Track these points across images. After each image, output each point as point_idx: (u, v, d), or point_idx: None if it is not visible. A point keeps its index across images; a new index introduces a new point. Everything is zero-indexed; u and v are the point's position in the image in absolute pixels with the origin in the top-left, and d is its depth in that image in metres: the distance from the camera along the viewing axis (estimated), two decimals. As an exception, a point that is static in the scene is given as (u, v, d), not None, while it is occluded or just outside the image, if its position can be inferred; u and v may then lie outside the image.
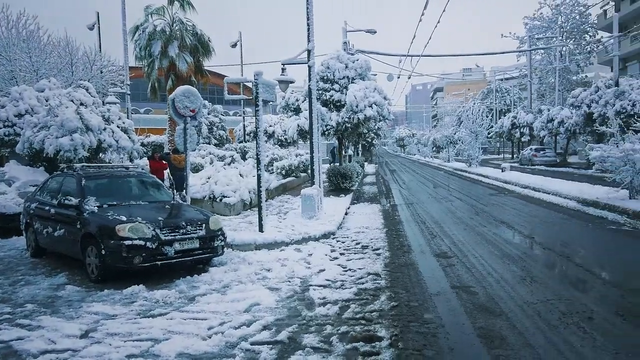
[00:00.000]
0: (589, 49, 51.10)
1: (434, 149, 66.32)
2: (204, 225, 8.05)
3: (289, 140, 34.00)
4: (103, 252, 7.38)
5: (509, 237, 10.22)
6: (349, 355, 4.68)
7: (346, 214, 14.95)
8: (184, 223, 7.87)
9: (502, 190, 20.71)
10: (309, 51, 13.74)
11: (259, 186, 10.81)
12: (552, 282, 6.79)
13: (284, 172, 23.82)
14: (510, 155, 56.05)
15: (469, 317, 5.57)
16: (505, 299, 6.14)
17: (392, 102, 20.94)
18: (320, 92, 19.81)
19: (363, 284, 7.09)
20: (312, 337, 5.12)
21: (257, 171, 10.83)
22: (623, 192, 13.72)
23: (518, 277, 7.10)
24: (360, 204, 17.75)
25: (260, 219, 10.74)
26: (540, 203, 15.70)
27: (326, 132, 19.79)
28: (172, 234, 7.63)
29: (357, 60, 20.07)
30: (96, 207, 8.12)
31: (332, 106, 19.69)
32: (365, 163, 55.61)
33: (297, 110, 28.22)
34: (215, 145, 38.00)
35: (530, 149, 40.15)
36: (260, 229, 10.70)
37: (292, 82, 14.22)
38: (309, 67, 13.82)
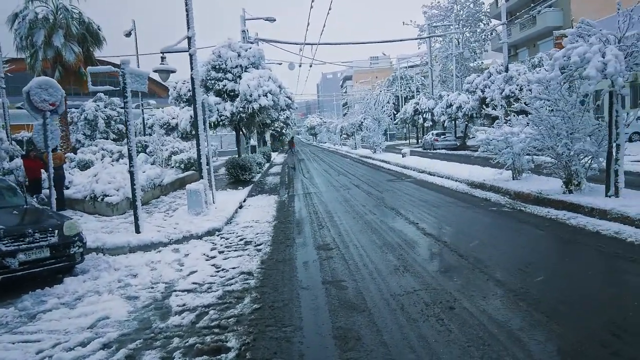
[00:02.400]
0: (483, 36, 53.58)
1: (343, 136, 67.09)
2: (56, 231, 7.21)
3: (192, 133, 32.79)
4: None
5: (394, 225, 10.17)
6: (189, 372, 4.21)
7: (241, 207, 14.45)
8: (30, 231, 6.98)
9: (401, 175, 21.04)
10: (189, 38, 12.97)
11: (132, 184, 10.00)
12: (423, 271, 6.68)
13: (182, 165, 22.80)
14: (416, 140, 57.86)
15: (331, 316, 5.27)
16: (374, 293, 5.93)
17: (287, 90, 20.52)
18: (213, 81, 19.07)
19: (232, 285, 6.63)
20: (154, 354, 4.59)
21: (130, 168, 10.02)
22: (507, 173, 14.25)
23: (392, 267, 6.95)
24: (258, 196, 17.28)
25: (136, 219, 9.96)
26: (433, 187, 16.01)
27: (220, 123, 19.06)
28: (15, 244, 6.75)
29: (250, 48, 19.47)
30: None
31: (225, 96, 18.98)
32: (275, 153, 55.15)
33: (190, 102, 27.10)
34: (114, 140, 35.93)
35: (432, 133, 41.52)
36: (137, 230, 9.93)
37: (173, 71, 13.44)
38: (190, 55, 13.06)
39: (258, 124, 24.37)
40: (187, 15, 12.93)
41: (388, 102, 38.74)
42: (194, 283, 6.83)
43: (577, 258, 6.99)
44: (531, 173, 13.68)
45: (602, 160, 10.04)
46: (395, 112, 53.88)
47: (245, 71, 19.02)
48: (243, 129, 23.84)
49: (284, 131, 60.92)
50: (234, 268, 7.51)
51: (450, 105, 38.96)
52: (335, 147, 63.84)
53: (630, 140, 23.99)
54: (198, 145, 13.49)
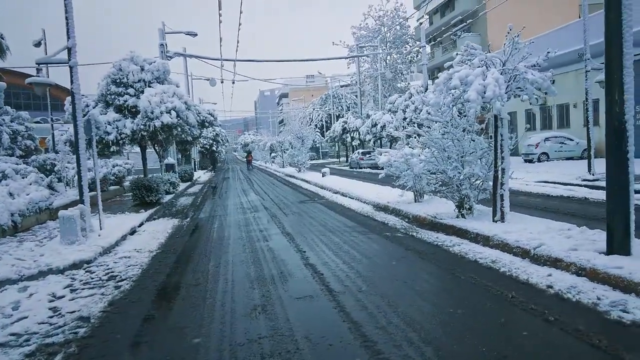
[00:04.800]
0: (410, 58, 54.76)
1: (275, 154, 66.53)
2: None
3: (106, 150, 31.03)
4: None
5: (280, 254, 9.49)
6: None
7: (132, 233, 13.37)
8: None
9: (315, 196, 20.51)
10: (69, 49, 11.90)
11: (-22, 212, 8.80)
12: (281, 312, 5.99)
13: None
14: (345, 159, 58.06)
15: (147, 376, 4.47)
16: (215, 341, 5.17)
17: (194, 106, 19.62)
18: (113, 96, 17.90)
19: (55, 336, 5.66)
20: None
21: (-24, 194, 8.83)
22: (410, 195, 14.02)
23: (250, 308, 6.22)
24: (160, 219, 16.19)
25: (-17, 253, 8.74)
26: (339, 210, 15.53)
27: (121, 141, 17.86)
28: None
29: (154, 62, 18.46)
30: None
31: (127, 112, 17.83)
32: (202, 171, 53.65)
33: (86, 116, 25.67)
34: (21, 157, 33.50)
35: (358, 152, 41.62)
36: (-17, 265, 8.71)
37: (50, 84, 12.32)
38: (71, 67, 11.96)
39: (178, 141, 23.27)
40: (67, 23, 11.87)
41: (315, 121, 38.46)
42: (12, 334, 5.80)
43: (448, 294, 6.53)
44: (432, 195, 13.44)
45: (492, 184, 9.82)
46: (325, 131, 53.94)
47: (148, 86, 17.99)
48: (155, 147, 22.66)
49: (214, 148, 59.44)
50: (73, 312, 6.53)
51: (375, 124, 39.22)
52: (265, 164, 63.06)
53: (538, 160, 24.74)
54: (79, 166, 12.35)
